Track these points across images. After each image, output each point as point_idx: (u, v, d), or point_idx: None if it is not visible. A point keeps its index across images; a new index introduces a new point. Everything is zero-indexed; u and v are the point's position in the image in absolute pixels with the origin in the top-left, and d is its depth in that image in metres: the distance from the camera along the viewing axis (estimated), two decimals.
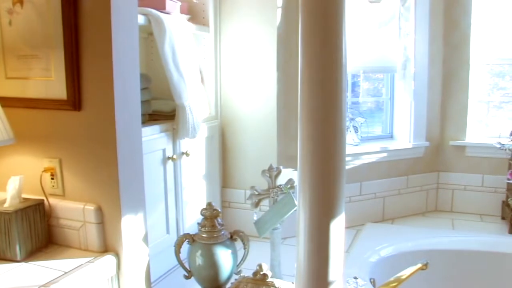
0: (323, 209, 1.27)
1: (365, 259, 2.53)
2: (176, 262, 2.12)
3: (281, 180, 2.18)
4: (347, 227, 3.02)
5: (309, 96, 1.20)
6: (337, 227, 1.31)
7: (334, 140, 1.21)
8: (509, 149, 3.08)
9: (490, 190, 3.33)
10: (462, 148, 3.37)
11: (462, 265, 2.79)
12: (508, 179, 3.03)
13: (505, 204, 3.20)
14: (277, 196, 2.13)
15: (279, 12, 2.75)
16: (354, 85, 3.40)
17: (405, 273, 2.02)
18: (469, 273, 2.79)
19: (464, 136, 3.36)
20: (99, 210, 1.72)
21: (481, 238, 2.90)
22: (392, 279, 2.00)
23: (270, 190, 2.13)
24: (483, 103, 3.51)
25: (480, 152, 3.33)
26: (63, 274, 1.55)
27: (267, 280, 1.82)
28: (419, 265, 2.05)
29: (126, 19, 1.68)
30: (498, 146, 3.11)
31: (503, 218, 3.22)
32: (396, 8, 3.20)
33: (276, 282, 1.83)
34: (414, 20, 3.17)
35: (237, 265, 2.07)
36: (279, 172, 2.15)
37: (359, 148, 3.11)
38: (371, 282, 2.25)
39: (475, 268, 2.79)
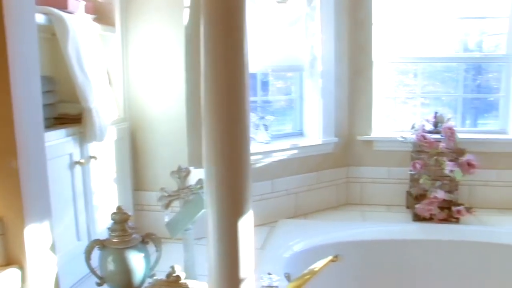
0: (230, 208, 1.28)
1: (279, 255, 2.57)
2: (88, 270, 2.06)
3: (192, 180, 2.17)
4: (261, 224, 3.08)
5: (211, 95, 1.21)
6: (246, 225, 1.32)
7: (238, 139, 1.22)
8: (411, 142, 3.24)
9: (396, 182, 3.49)
10: (369, 142, 3.51)
11: (372, 254, 2.91)
12: (411, 170, 3.19)
13: (408, 194, 3.37)
14: (188, 196, 2.12)
15: (186, 12, 2.74)
16: (266, 84, 3.45)
17: (318, 265, 2.08)
18: (379, 262, 2.91)
19: (370, 131, 3.50)
20: (1, 221, 1.63)
21: (388, 227, 3.05)
22: (305, 271, 2.06)
23: (180, 191, 2.12)
24: (390, 99, 3.67)
25: (386, 146, 3.49)
26: None
27: (180, 281, 1.82)
28: (330, 258, 2.12)
29: (22, 18, 1.60)
30: (402, 139, 3.27)
31: (407, 207, 3.38)
32: (302, 8, 3.28)
33: (190, 283, 1.83)
34: (320, 20, 3.27)
35: (151, 268, 2.04)
36: (188, 173, 2.15)
37: (269, 146, 3.15)
38: (286, 277, 2.29)
39: (384, 256, 2.92)
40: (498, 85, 3.60)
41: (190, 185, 2.14)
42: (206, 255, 1.42)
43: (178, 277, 1.82)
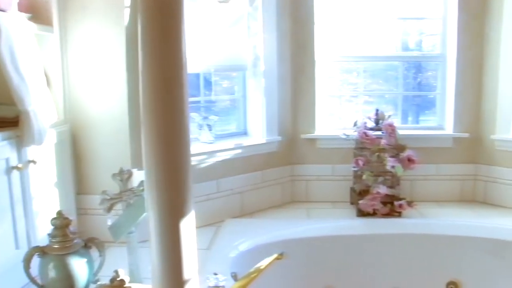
0: (171, 210, 1.27)
1: (225, 255, 2.57)
2: (27, 279, 1.99)
3: (136, 182, 2.14)
4: (207, 225, 3.07)
5: (149, 96, 1.20)
6: (188, 226, 1.31)
7: (177, 139, 1.21)
8: (353, 140, 3.31)
9: (340, 179, 3.56)
10: (313, 140, 3.55)
11: (317, 251, 2.95)
12: (354, 167, 3.25)
13: (352, 190, 3.44)
14: (131, 199, 2.09)
15: (127, 11, 2.70)
16: (210, 84, 3.43)
17: (263, 263, 2.09)
18: (324, 258, 2.96)
19: (314, 130, 3.55)
20: None
21: (333, 223, 3.10)
22: (252, 270, 2.06)
23: (123, 193, 2.08)
24: (335, 98, 3.73)
25: (330, 144, 3.54)
26: None
27: (124, 285, 1.78)
28: (275, 255, 2.13)
29: None
30: (344, 137, 3.33)
31: (351, 203, 3.45)
32: (244, 8, 3.29)
33: (135, 286, 1.80)
34: (262, 19, 3.28)
35: (94, 274, 2.00)
36: (130, 175, 2.11)
37: (213, 146, 3.15)
38: (232, 276, 2.29)
39: (329, 252, 2.97)
40: (436, 83, 3.72)
41: (132, 187, 2.10)
42: (149, 257, 1.40)
43: (122, 281, 1.78)
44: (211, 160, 3.11)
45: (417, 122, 3.86)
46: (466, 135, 3.54)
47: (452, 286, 2.98)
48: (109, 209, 2.07)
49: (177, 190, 1.26)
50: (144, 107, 1.23)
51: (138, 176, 2.18)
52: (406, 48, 3.76)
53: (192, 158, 2.94)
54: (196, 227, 3.06)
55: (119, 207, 2.12)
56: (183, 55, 1.22)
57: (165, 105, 1.20)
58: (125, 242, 2.13)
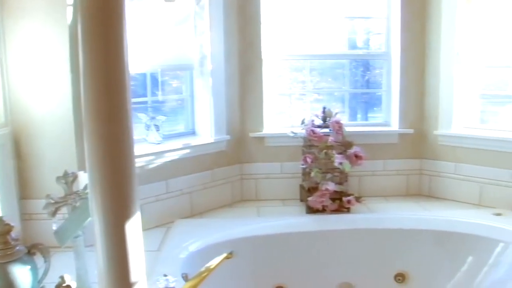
0: (116, 211, 1.25)
1: (175, 256, 2.55)
2: None
3: (82, 185, 2.09)
4: (157, 226, 3.04)
5: (90, 96, 1.17)
6: (133, 227, 1.29)
7: (120, 141, 1.19)
8: (301, 137, 3.34)
9: (289, 176, 3.58)
10: (261, 139, 3.56)
11: (268, 249, 2.97)
12: (302, 165, 3.28)
13: (301, 187, 3.47)
14: (76, 202, 2.04)
15: (70, 10, 2.63)
16: (157, 83, 3.39)
17: (213, 263, 2.08)
18: (275, 255, 2.97)
19: (262, 128, 3.56)
20: None
21: (282, 221, 3.12)
22: (202, 269, 2.05)
23: (68, 196, 2.03)
24: (286, 96, 3.75)
25: (278, 142, 3.56)
26: None
27: None
28: (225, 255, 2.13)
29: None
30: (292, 135, 3.36)
31: (301, 200, 3.48)
32: (191, 7, 3.27)
33: None
34: (209, 18, 3.27)
35: (39, 281, 1.94)
36: (75, 177, 2.07)
37: (161, 146, 3.11)
38: (183, 277, 2.28)
39: (280, 249, 2.99)
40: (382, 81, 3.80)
41: (78, 190, 2.06)
42: (95, 261, 1.37)
43: (68, 287, 1.74)
44: (160, 161, 3.08)
45: (366, 119, 3.94)
46: (410, 131, 3.64)
47: (400, 277, 3.06)
48: (54, 213, 2.02)
49: (121, 192, 1.24)
50: (86, 108, 1.21)
51: (84, 178, 2.14)
52: (353, 47, 3.83)
53: (140, 159, 2.93)
54: (146, 229, 3.02)
55: (64, 211, 2.07)
56: (125, 54, 1.20)
57: (107, 106, 1.17)
58: (72, 246, 2.09)
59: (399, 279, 3.06)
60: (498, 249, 2.82)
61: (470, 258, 2.91)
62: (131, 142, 1.23)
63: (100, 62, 1.17)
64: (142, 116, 3.16)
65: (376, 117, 3.88)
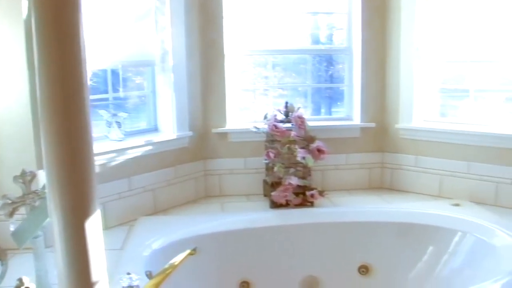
0: (75, 210, 1.22)
1: (138, 254, 2.52)
2: None
3: (41, 184, 2.05)
4: (120, 224, 3.00)
5: (46, 93, 1.14)
6: (93, 226, 1.27)
7: (78, 137, 1.17)
8: (264, 132, 3.34)
9: (252, 172, 3.59)
10: (224, 134, 3.56)
11: (232, 244, 2.96)
12: (265, 160, 3.28)
13: (265, 182, 3.48)
14: (34, 202, 1.99)
15: (25, 4, 2.56)
16: (118, 80, 3.34)
17: (177, 259, 2.07)
18: (239, 250, 2.98)
19: (225, 124, 3.55)
20: None
21: (246, 216, 3.12)
22: (166, 266, 2.04)
23: (26, 196, 1.99)
24: (250, 92, 3.75)
25: (241, 137, 3.56)
26: None
27: None
28: (188, 251, 2.12)
29: None
30: (255, 130, 3.36)
31: (265, 195, 3.49)
32: (151, 2, 3.23)
33: None
34: (170, 13, 3.24)
35: None
36: (33, 176, 2.02)
37: (123, 143, 3.06)
38: (147, 275, 2.25)
39: (244, 244, 2.99)
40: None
41: (36, 190, 2.01)
42: (54, 262, 1.34)
43: None
44: (122, 158, 3.03)
45: (330, 114, 3.97)
46: (372, 125, 3.68)
47: (363, 269, 3.10)
48: (11, 214, 1.97)
49: (80, 190, 1.22)
50: (41, 104, 1.18)
51: (44, 177, 2.09)
52: (316, 42, 3.86)
53: (102, 157, 2.89)
54: (109, 227, 3.01)
55: (22, 211, 2.02)
56: (81, 49, 1.17)
57: (63, 102, 1.15)
58: (31, 248, 2.04)
59: (363, 271, 3.10)
60: (456, 238, 2.88)
61: (430, 248, 2.97)
62: (89, 139, 1.20)
63: (54, 56, 1.14)
64: (104, 113, 3.11)
65: (340, 111, 3.92)
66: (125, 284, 2.09)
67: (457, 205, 3.22)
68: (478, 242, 2.77)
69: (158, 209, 3.28)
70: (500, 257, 2.53)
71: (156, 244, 2.65)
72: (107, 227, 2.95)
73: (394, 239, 3.07)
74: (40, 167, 2.59)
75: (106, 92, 3.24)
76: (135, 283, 2.10)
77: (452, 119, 3.58)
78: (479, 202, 3.28)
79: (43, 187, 2.02)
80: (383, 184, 3.78)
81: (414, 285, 2.93)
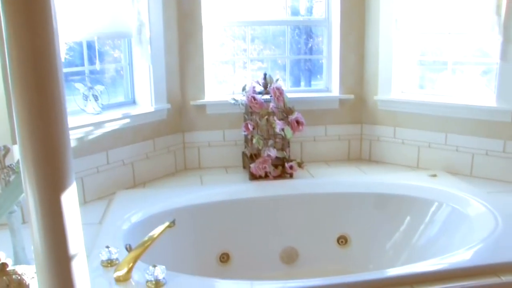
0: (49, 184, 1.21)
1: (118, 228, 2.52)
2: None
3: (16, 158, 2.02)
4: (99, 198, 2.99)
5: (17, 66, 1.12)
6: (69, 199, 1.26)
7: (51, 111, 1.15)
8: (242, 104, 3.33)
9: (231, 144, 3.59)
10: (202, 107, 3.53)
11: (212, 216, 2.97)
12: (244, 132, 3.27)
13: (244, 154, 3.48)
14: (9, 176, 1.97)
15: None
16: (94, 52, 3.28)
17: (156, 232, 2.08)
18: (219, 223, 2.99)
19: (203, 96, 3.52)
20: None
21: (225, 188, 3.13)
22: (145, 239, 2.05)
23: (0, 171, 1.96)
24: (229, 65, 3.72)
25: (219, 109, 3.54)
26: None
27: (8, 269, 1.69)
28: (167, 223, 2.13)
29: None
30: (233, 102, 3.34)
31: (244, 167, 3.49)
32: None
33: (19, 268, 1.71)
34: None
35: None
36: (7, 151, 1.99)
37: (101, 116, 3.02)
38: (126, 248, 2.25)
39: (224, 217, 3.00)
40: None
41: (11, 164, 1.99)
42: (30, 237, 1.33)
43: (4, 264, 1.69)
44: (99, 131, 3.00)
45: (310, 86, 3.96)
46: (351, 96, 3.69)
47: (342, 240, 3.14)
48: None
49: (54, 164, 1.20)
50: (12, 77, 1.15)
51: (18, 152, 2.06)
52: (296, 13, 3.82)
53: (79, 130, 2.85)
54: (87, 201, 2.99)
55: None
56: (53, 19, 1.15)
57: (35, 76, 1.12)
58: (6, 224, 2.03)
59: (341, 242, 3.14)
60: (433, 208, 2.93)
61: (408, 218, 3.01)
62: (63, 112, 1.19)
63: (24, 27, 1.11)
64: (80, 87, 3.06)
65: (319, 84, 3.91)
66: (104, 258, 2.10)
67: (434, 176, 3.26)
68: (454, 212, 2.82)
69: (137, 183, 3.27)
70: (474, 226, 2.58)
71: (135, 218, 2.65)
72: (85, 201, 2.93)
73: (372, 210, 3.10)
74: (14, 142, 2.55)
75: (82, 65, 3.18)
76: (114, 256, 2.11)
77: (430, 91, 3.60)
78: (456, 173, 3.33)
79: (18, 162, 1.99)
80: (362, 155, 3.81)
81: (391, 254, 2.98)
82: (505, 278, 2.02)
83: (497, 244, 2.26)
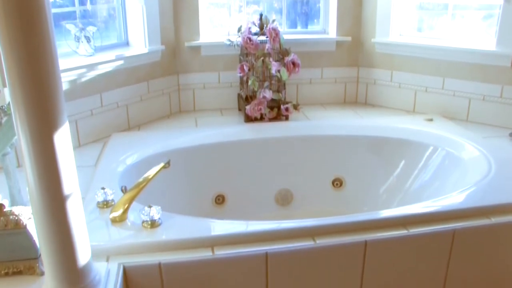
0: (42, 125, 1.20)
1: (113, 170, 2.51)
2: None
3: (6, 100, 1.99)
4: (93, 141, 2.98)
5: (4, 6, 1.08)
6: (62, 140, 1.25)
7: (41, 51, 1.12)
8: (237, 45, 3.27)
9: (227, 86, 3.55)
10: (197, 48, 3.47)
11: (207, 158, 2.98)
12: (239, 73, 3.23)
13: (239, 96, 3.45)
14: (1, 119, 1.95)
15: None
16: None
17: (151, 173, 2.08)
18: (214, 165, 2.99)
19: (198, 37, 3.46)
20: None
21: (220, 130, 3.11)
22: (140, 180, 2.05)
23: None
24: (224, 8, 3.62)
25: (214, 51, 3.49)
26: None
27: (4, 210, 1.70)
28: (162, 164, 2.13)
29: None
30: (228, 43, 3.28)
31: (239, 109, 3.47)
32: None
33: (16, 209, 1.72)
34: None
35: None
36: None
37: (93, 58, 2.96)
38: (122, 190, 2.27)
39: (219, 158, 3.01)
40: None
41: (2, 106, 1.96)
42: (25, 178, 1.33)
43: (1, 205, 1.70)
44: (92, 73, 2.95)
45: (306, 28, 3.88)
46: (348, 38, 3.63)
47: (337, 182, 3.16)
48: None
49: (46, 105, 1.18)
50: (0, 21, 1.12)
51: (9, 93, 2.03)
52: None
53: (71, 72, 2.81)
54: (82, 144, 2.98)
55: None
56: None
57: (23, 17, 1.09)
58: (1, 166, 2.02)
59: (336, 184, 3.16)
60: (427, 153, 2.94)
61: (402, 162, 3.02)
62: (53, 52, 1.16)
63: None
64: (71, 28, 2.99)
65: (316, 28, 3.83)
66: (100, 199, 2.11)
67: (430, 120, 3.25)
68: (448, 156, 2.83)
69: (132, 125, 3.25)
70: (467, 170, 2.60)
71: (130, 160, 2.64)
72: (80, 144, 2.92)
73: (368, 153, 3.11)
74: (5, 84, 2.51)
75: (72, 5, 3.09)
76: (110, 198, 2.12)
77: (429, 33, 3.53)
78: (452, 117, 3.32)
79: (9, 104, 1.96)
80: (358, 99, 3.79)
81: (385, 197, 3.01)
82: (494, 220, 2.06)
83: (489, 187, 2.28)
